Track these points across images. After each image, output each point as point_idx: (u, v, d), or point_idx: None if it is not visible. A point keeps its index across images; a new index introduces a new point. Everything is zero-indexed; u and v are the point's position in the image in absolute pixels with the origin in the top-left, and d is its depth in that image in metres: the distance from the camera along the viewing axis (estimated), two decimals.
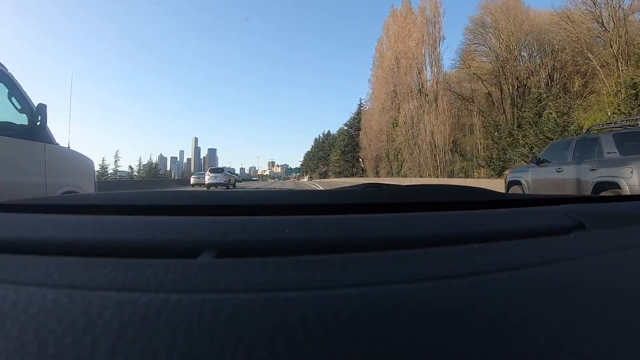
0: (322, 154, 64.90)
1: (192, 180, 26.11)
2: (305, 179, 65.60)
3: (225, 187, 19.71)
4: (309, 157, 79.60)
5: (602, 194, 3.62)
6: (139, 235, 0.36)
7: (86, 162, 3.28)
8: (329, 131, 68.90)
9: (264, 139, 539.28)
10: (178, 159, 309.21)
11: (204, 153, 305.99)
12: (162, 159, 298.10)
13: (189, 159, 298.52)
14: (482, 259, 0.31)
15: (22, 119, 2.53)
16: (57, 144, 2.83)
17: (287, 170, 79.65)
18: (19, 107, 2.53)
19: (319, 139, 72.24)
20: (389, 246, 0.35)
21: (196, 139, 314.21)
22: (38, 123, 2.55)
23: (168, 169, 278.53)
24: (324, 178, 56.82)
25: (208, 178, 20.68)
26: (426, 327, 0.21)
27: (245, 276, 0.26)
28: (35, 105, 2.59)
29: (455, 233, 0.39)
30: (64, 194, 2.61)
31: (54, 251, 0.34)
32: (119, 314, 0.22)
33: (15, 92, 2.53)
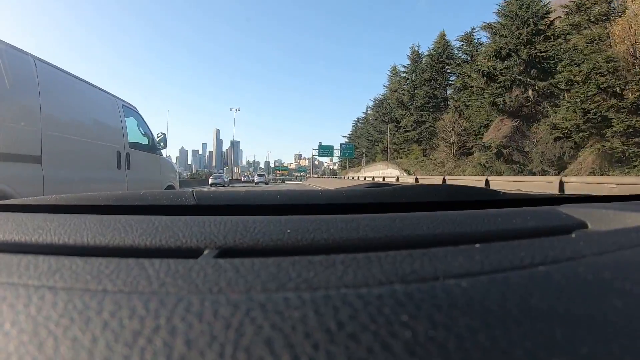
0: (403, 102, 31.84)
1: (210, 180, 34.30)
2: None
3: (265, 184, 37.73)
4: (365, 125, 46.49)
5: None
6: (141, 234, 0.39)
7: (174, 165, 5.43)
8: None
9: (290, 130, 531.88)
10: (200, 152, 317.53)
11: (226, 145, 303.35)
12: (182, 152, 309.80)
13: (210, 152, 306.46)
14: (483, 259, 0.32)
15: (145, 140, 4.45)
16: (162, 155, 4.76)
17: (322, 148, 46.74)
18: (143, 132, 4.46)
19: (407, 66, 34.04)
20: (389, 246, 0.38)
21: (218, 131, 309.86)
22: (162, 144, 4.56)
23: (189, 162, 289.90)
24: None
25: (256, 178, 44.50)
26: (427, 327, 0.21)
27: (246, 276, 0.28)
28: (153, 132, 4.61)
29: (457, 233, 0.43)
30: (167, 187, 4.52)
31: (55, 251, 0.37)
32: (119, 314, 0.23)
33: (142, 123, 4.46)
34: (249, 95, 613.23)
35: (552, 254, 0.35)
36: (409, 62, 35.36)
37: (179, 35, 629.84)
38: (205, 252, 0.37)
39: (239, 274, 0.29)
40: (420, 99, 30.86)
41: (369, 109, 48.70)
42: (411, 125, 31.46)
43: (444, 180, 11.01)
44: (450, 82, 30.28)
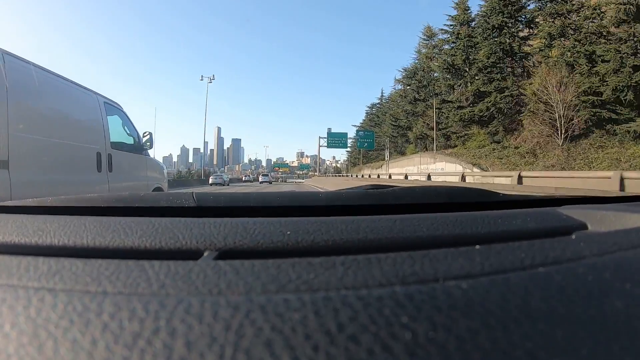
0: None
1: (210, 180, 35.09)
2: None
3: (269, 183, 39.44)
4: (383, 108, 36.98)
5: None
6: (141, 236, 0.40)
7: (162, 166, 5.20)
8: None
9: (291, 129, 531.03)
10: (201, 151, 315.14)
11: (227, 144, 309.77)
12: (184, 150, 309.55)
13: (212, 150, 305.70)
14: (483, 260, 0.33)
15: (129, 140, 4.25)
16: (149, 156, 4.56)
17: (332, 137, 37.36)
18: (128, 132, 4.26)
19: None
20: (390, 248, 0.38)
21: (219, 129, 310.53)
22: (148, 144, 4.38)
23: (191, 161, 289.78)
24: None
25: (261, 178, 46.06)
26: (427, 328, 0.22)
27: (246, 278, 0.28)
28: (139, 131, 4.40)
29: (457, 234, 0.44)
30: (154, 190, 4.32)
31: (55, 253, 0.37)
32: (119, 315, 0.23)
33: (126, 121, 4.26)
34: (250, 94, 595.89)
35: (552, 255, 0.35)
36: (455, 11, 23.81)
37: (180, 32, 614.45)
38: (205, 253, 0.37)
39: (238, 275, 0.29)
40: (487, 56, 20.00)
41: (396, 85, 37.62)
42: (467, 99, 21.40)
43: (519, 178, 6.55)
44: (526, 36, 18.93)
